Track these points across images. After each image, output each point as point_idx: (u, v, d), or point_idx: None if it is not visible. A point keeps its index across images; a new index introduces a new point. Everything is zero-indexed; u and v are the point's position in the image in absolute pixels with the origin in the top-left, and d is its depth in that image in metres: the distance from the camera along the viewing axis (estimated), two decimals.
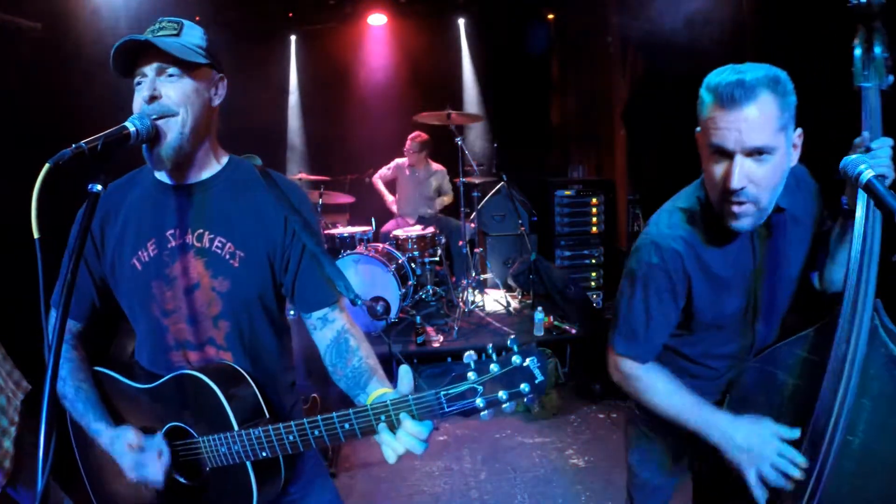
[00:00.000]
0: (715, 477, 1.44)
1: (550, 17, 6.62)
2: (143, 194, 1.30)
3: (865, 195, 1.17)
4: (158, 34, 1.20)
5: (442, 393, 0.93)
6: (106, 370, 1.38)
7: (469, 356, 0.95)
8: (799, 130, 1.26)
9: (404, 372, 1.02)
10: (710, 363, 1.52)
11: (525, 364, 0.90)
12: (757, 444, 1.28)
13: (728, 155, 1.20)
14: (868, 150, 1.19)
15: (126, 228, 1.29)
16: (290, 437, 1.09)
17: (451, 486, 3.07)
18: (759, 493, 1.29)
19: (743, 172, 1.19)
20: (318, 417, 1.05)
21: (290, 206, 1.28)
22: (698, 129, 1.31)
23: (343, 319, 1.32)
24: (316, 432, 1.06)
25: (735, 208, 1.23)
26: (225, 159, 1.33)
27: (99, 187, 1.01)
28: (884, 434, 1.24)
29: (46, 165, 0.96)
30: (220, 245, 1.26)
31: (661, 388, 1.42)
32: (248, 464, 1.17)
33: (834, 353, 1.23)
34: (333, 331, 1.30)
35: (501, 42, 6.58)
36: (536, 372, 0.90)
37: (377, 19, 6.41)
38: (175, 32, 1.21)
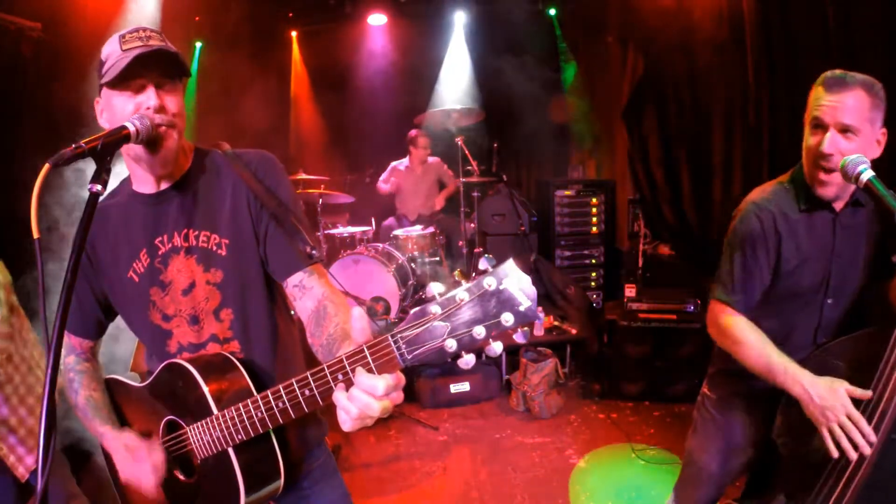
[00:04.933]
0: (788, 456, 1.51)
1: (552, 14, 6.61)
2: (127, 209, 1.32)
3: None
4: (150, 43, 1.18)
5: (399, 336, 0.77)
6: (116, 377, 1.40)
7: (433, 286, 0.76)
8: (884, 129, 1.50)
9: (357, 316, 0.84)
10: (782, 341, 1.60)
11: (502, 286, 0.71)
12: (830, 400, 1.38)
13: (824, 128, 1.46)
14: None
15: (117, 245, 1.31)
16: (258, 414, 1.04)
17: (451, 486, 3.07)
18: (832, 447, 1.38)
19: (833, 142, 1.45)
20: (280, 386, 0.98)
21: (257, 179, 1.27)
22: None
23: (322, 286, 1.26)
24: (280, 404, 0.99)
25: (823, 175, 1.49)
26: (191, 152, 1.34)
27: (99, 187, 1.01)
28: None
29: (46, 166, 0.96)
30: (205, 238, 1.28)
31: (753, 339, 1.56)
32: (232, 456, 1.15)
33: (890, 349, 1.33)
34: (314, 299, 1.23)
35: (502, 42, 6.57)
36: (518, 295, 0.71)
37: (377, 19, 6.40)
38: (164, 42, 1.20)
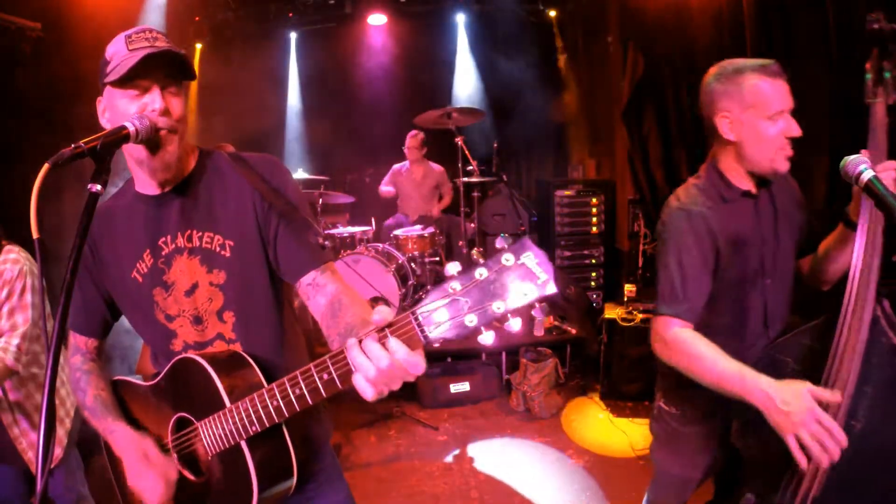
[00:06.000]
0: (740, 461, 1.49)
1: (551, 15, 6.61)
2: (130, 210, 1.31)
3: (870, 201, 1.31)
4: (157, 44, 1.18)
5: (419, 313, 0.77)
6: (123, 377, 1.40)
7: (452, 265, 0.77)
8: None
9: (382, 308, 0.88)
10: (740, 338, 1.62)
11: (520, 262, 0.72)
12: (797, 406, 1.28)
13: (782, 114, 1.50)
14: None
15: (121, 246, 1.31)
16: (274, 403, 1.03)
17: (451, 486, 3.07)
18: (800, 457, 1.28)
19: (794, 124, 1.50)
20: (297, 372, 0.97)
21: (264, 181, 1.27)
22: (719, 113, 1.58)
23: (335, 282, 1.25)
24: (297, 390, 0.98)
25: (790, 153, 1.53)
26: (195, 154, 1.33)
27: (98, 187, 1.01)
28: (885, 420, 1.29)
29: (45, 166, 0.96)
30: (209, 240, 1.27)
31: (703, 351, 1.47)
32: (245, 452, 1.13)
33: (836, 340, 1.30)
34: (327, 295, 1.23)
35: (502, 41, 6.57)
36: (536, 270, 0.72)
37: (377, 19, 6.40)
38: (170, 46, 1.19)
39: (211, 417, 1.17)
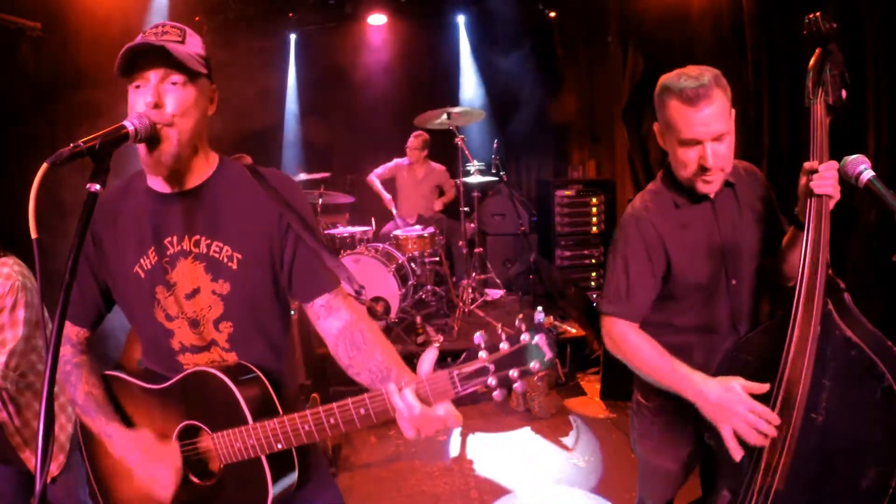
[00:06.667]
0: (717, 452, 1.49)
1: (552, 15, 6.62)
2: (138, 203, 1.30)
3: (813, 204, 1.38)
4: (163, 38, 1.18)
5: (455, 372, 0.96)
6: (117, 373, 1.38)
7: (479, 336, 0.98)
8: (733, 111, 1.52)
9: (429, 354, 1.04)
10: (709, 335, 1.64)
11: (534, 342, 0.93)
12: (727, 399, 1.35)
13: (698, 143, 1.47)
14: (816, 172, 1.37)
15: (125, 238, 1.29)
16: (306, 427, 1.10)
17: (451, 486, 3.06)
18: (734, 447, 1.35)
19: (714, 154, 1.47)
20: (334, 405, 1.07)
21: (284, 201, 1.27)
22: (656, 123, 1.59)
23: (349, 309, 1.29)
24: (332, 420, 1.07)
25: (707, 178, 1.51)
26: (215, 162, 1.32)
27: (98, 187, 1.00)
28: (844, 410, 1.31)
29: (44, 165, 0.95)
30: (217, 249, 1.26)
31: (643, 349, 1.55)
32: (262, 458, 1.17)
33: (789, 335, 1.34)
34: (341, 320, 1.28)
35: (502, 41, 6.57)
36: (545, 349, 0.94)
37: (377, 19, 6.40)
38: (180, 39, 1.20)
39: (229, 431, 1.18)
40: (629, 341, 1.57)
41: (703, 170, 1.49)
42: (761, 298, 1.64)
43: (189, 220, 1.27)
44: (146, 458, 1.24)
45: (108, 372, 1.39)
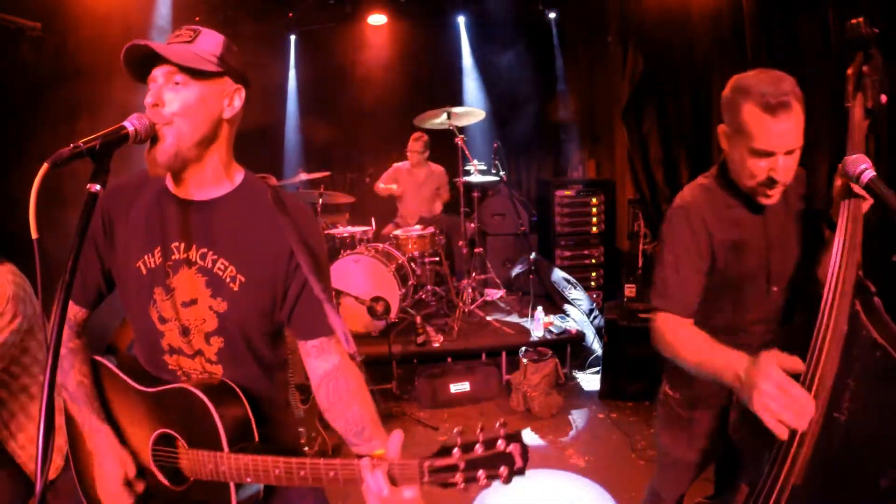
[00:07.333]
0: (742, 444, 1.48)
1: (551, 16, 6.62)
2: (153, 200, 1.29)
3: (847, 205, 1.36)
4: (173, 40, 1.19)
5: (426, 464, 0.97)
6: (106, 362, 1.38)
7: (457, 431, 0.98)
8: None
9: (395, 437, 1.06)
10: (738, 336, 1.61)
11: (508, 450, 0.94)
12: (757, 377, 1.25)
13: (771, 154, 1.43)
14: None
15: (135, 230, 1.29)
16: (277, 471, 1.11)
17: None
18: (773, 425, 1.23)
19: (785, 168, 1.44)
20: (307, 461, 1.09)
21: (299, 236, 1.24)
22: (722, 123, 1.53)
23: (339, 355, 1.30)
24: (302, 472, 1.08)
25: (770, 191, 1.48)
26: (239, 178, 1.30)
27: (98, 187, 1.00)
28: (867, 411, 1.30)
29: (44, 166, 0.95)
30: (222, 267, 1.25)
31: (684, 336, 1.52)
32: (231, 486, 1.18)
33: (816, 334, 1.32)
34: (329, 363, 1.29)
35: (502, 42, 6.58)
36: (518, 458, 0.95)
37: (377, 19, 6.40)
38: (189, 39, 1.20)
39: (203, 452, 1.19)
40: (677, 334, 1.54)
41: (770, 182, 1.46)
42: (797, 307, 1.63)
43: (199, 231, 1.26)
44: (104, 456, 1.29)
45: (98, 358, 1.39)
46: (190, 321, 1.27)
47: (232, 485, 1.18)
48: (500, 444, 0.94)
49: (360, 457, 1.04)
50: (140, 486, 1.31)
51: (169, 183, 1.28)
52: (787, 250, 1.59)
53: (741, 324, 1.64)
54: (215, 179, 1.27)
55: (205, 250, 1.25)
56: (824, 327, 1.32)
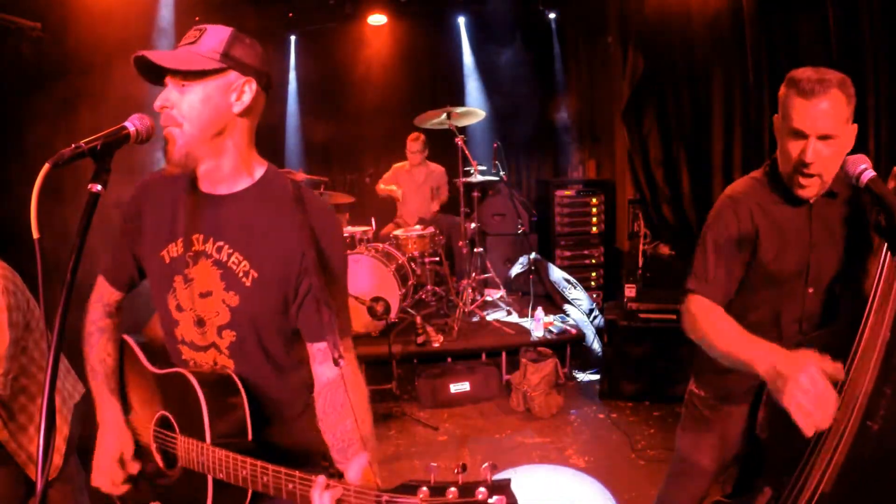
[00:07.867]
0: (768, 445, 1.47)
1: (551, 16, 6.62)
2: (182, 193, 1.31)
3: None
4: (180, 45, 1.21)
5: (385, 498, 0.87)
6: (130, 341, 1.43)
7: (433, 468, 0.87)
8: (854, 126, 1.49)
9: (357, 462, 1.04)
10: (772, 333, 1.61)
11: (491, 501, 0.82)
12: (794, 370, 1.21)
13: (804, 136, 1.45)
14: None
15: (162, 220, 1.32)
16: (243, 472, 1.10)
17: None
18: (801, 420, 1.19)
19: (816, 151, 1.44)
20: (270, 467, 1.06)
21: (311, 238, 1.23)
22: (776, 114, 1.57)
23: (346, 363, 1.23)
24: (265, 478, 1.07)
25: (803, 180, 1.49)
26: (260, 172, 1.30)
27: (99, 187, 1.01)
28: None
29: (46, 166, 0.95)
30: (236, 261, 1.26)
31: (718, 324, 1.51)
32: (209, 482, 1.18)
33: (857, 339, 1.31)
34: (333, 373, 1.24)
35: (502, 42, 6.58)
36: None
37: (377, 19, 6.40)
38: (193, 41, 1.20)
39: (191, 440, 1.20)
40: (710, 318, 1.54)
41: (802, 165, 1.47)
42: (833, 312, 1.62)
43: (217, 225, 1.27)
44: (106, 431, 1.33)
45: (125, 336, 1.44)
46: (205, 312, 1.29)
47: (210, 486, 1.18)
48: (481, 493, 0.81)
49: (332, 475, 1.00)
50: (134, 468, 1.34)
51: (197, 177, 1.30)
52: (829, 253, 1.59)
53: (777, 322, 1.64)
54: (233, 174, 1.27)
55: (221, 243, 1.27)
56: (864, 333, 1.31)
